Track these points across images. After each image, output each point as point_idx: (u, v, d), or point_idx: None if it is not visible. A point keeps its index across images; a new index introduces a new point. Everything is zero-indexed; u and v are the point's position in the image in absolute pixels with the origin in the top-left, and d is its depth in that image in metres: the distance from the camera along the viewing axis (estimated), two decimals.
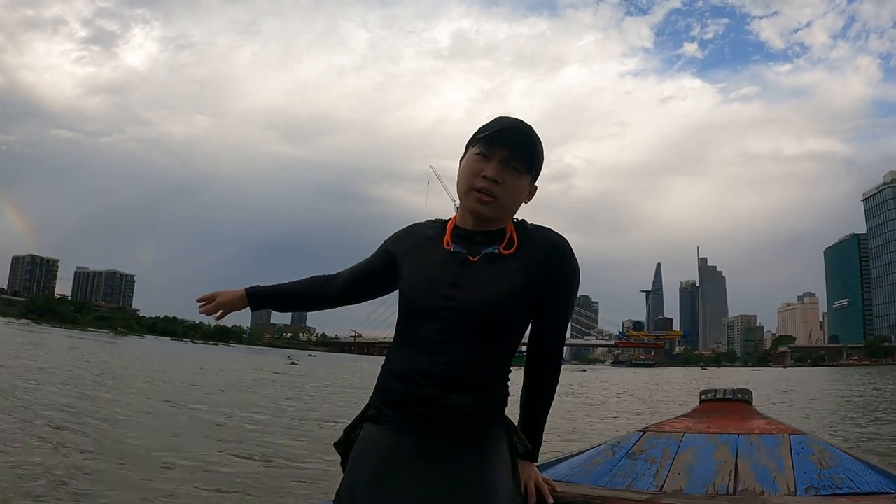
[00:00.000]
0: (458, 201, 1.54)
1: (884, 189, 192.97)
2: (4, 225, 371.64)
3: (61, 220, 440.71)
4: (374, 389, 1.52)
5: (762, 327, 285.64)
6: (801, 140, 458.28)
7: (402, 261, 1.55)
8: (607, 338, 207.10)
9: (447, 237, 1.51)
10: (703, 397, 2.89)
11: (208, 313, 1.71)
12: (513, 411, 1.51)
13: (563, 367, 1.80)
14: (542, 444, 1.56)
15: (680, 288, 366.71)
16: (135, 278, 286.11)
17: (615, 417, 14.04)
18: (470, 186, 1.46)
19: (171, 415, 10.57)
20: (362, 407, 1.53)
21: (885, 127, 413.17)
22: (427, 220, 1.61)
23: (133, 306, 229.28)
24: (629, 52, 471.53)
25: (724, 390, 2.85)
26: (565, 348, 1.82)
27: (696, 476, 1.98)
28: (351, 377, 31.74)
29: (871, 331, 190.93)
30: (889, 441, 10.70)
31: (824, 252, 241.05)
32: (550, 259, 1.44)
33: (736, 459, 2.07)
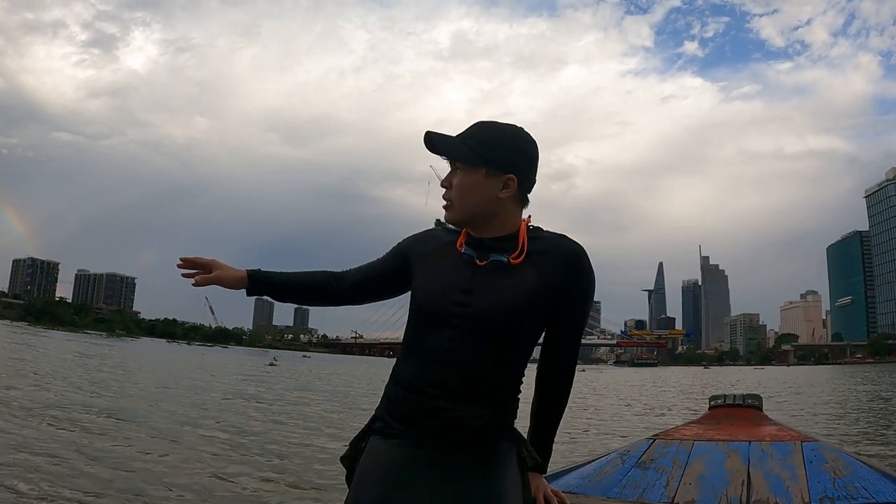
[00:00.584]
0: None
1: (886, 186, 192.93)
2: (6, 228, 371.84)
3: (62, 223, 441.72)
4: (381, 400, 1.48)
5: (765, 326, 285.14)
6: (803, 138, 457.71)
7: (417, 265, 1.51)
8: (610, 337, 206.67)
9: (461, 239, 1.48)
10: (712, 403, 2.79)
11: (187, 277, 1.54)
12: (521, 422, 1.47)
13: None
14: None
15: (682, 287, 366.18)
16: (136, 281, 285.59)
17: (585, 431, 11.93)
18: None
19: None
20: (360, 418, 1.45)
21: (887, 124, 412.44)
22: (444, 227, 1.56)
23: (134, 308, 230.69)
24: (629, 52, 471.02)
25: (734, 396, 2.75)
26: None
27: (708, 486, 1.93)
28: (319, 381, 29.15)
29: (875, 328, 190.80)
30: None
31: (827, 249, 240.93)
32: (567, 267, 1.40)
33: (748, 468, 2.01)
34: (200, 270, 1.54)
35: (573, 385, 1.52)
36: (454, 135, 1.44)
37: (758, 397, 2.73)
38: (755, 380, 45.61)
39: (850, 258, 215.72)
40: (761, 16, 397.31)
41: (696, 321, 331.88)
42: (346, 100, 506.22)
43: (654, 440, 2.41)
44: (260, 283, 1.58)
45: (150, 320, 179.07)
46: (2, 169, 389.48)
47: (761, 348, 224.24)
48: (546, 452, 1.52)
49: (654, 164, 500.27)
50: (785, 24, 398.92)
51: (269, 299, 1.65)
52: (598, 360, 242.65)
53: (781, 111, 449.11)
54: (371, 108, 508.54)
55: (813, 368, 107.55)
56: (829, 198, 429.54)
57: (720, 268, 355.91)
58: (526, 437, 1.50)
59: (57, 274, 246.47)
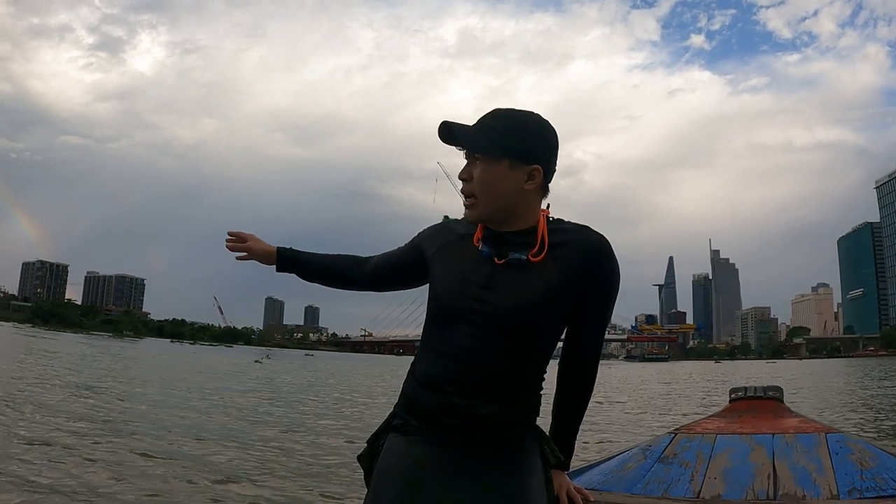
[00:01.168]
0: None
1: None
2: (16, 231, 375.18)
3: (71, 226, 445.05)
4: (399, 397, 1.45)
5: (776, 319, 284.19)
6: (811, 130, 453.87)
7: (433, 258, 1.47)
8: (620, 332, 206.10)
9: (478, 234, 1.42)
10: (733, 396, 2.72)
11: (234, 251, 1.64)
12: (543, 419, 1.44)
13: None
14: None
15: (693, 281, 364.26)
16: (145, 282, 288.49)
17: (608, 425, 11.72)
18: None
19: None
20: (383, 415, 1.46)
21: (895, 115, 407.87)
22: (461, 220, 1.50)
23: (144, 310, 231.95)
24: (636, 46, 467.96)
25: (755, 388, 2.68)
26: None
27: (734, 480, 1.89)
28: (298, 380, 25.01)
29: (887, 320, 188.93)
30: None
31: (838, 241, 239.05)
32: (590, 261, 1.34)
33: (773, 461, 1.98)
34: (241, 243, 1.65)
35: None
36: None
37: (779, 389, 2.64)
38: (768, 373, 45.14)
39: (862, 250, 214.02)
40: (768, 7, 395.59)
41: (707, 315, 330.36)
42: (353, 99, 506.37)
43: (676, 434, 2.36)
44: (288, 261, 1.63)
45: (159, 321, 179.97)
46: (11, 173, 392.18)
47: (773, 342, 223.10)
48: (569, 450, 1.48)
49: (663, 158, 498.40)
50: (792, 15, 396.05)
51: (297, 276, 1.68)
52: (608, 356, 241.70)
53: (789, 103, 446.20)
54: (378, 106, 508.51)
55: (826, 361, 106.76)
56: (838, 190, 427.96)
57: (730, 261, 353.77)
58: (548, 434, 1.48)
59: (66, 276, 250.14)
